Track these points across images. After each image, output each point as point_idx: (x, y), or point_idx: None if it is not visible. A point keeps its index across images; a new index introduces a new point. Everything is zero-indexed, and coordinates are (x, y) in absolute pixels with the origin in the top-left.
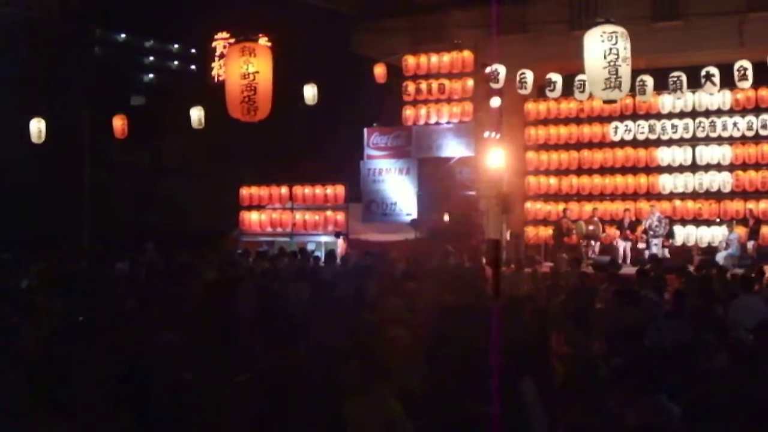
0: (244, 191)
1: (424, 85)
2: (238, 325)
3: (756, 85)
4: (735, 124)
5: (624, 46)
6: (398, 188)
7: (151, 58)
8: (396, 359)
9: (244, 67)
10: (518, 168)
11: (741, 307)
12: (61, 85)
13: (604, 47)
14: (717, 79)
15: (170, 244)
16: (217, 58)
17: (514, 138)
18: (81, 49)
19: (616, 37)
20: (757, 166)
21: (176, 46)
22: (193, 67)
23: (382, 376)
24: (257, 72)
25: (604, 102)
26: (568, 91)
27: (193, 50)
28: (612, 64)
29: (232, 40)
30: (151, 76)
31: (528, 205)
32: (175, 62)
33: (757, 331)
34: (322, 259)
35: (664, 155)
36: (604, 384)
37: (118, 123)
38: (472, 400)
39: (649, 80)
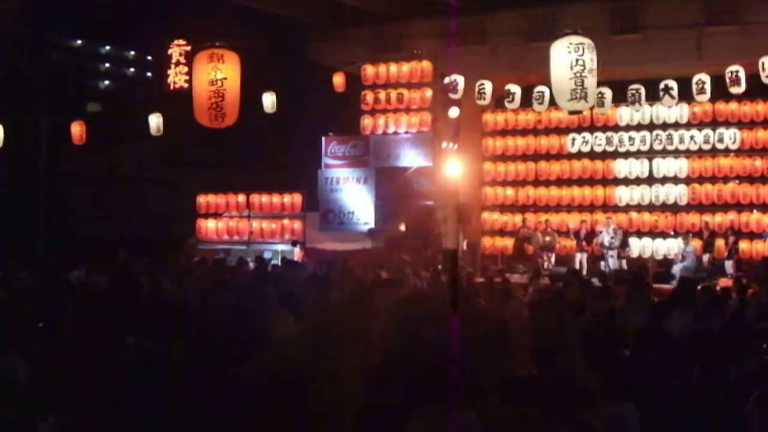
0: (201, 199)
1: (382, 95)
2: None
3: (713, 98)
4: (692, 138)
5: (590, 58)
6: (356, 197)
7: (107, 64)
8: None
9: (213, 74)
10: (475, 178)
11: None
12: (18, 92)
13: (570, 58)
14: (675, 92)
15: (127, 251)
16: (173, 65)
17: (472, 148)
18: (37, 55)
19: (583, 48)
20: (713, 180)
21: (132, 52)
22: (149, 74)
23: None
24: (225, 78)
25: (570, 113)
26: (526, 103)
27: (149, 57)
28: (578, 75)
29: (188, 48)
30: (107, 82)
31: (485, 215)
32: (131, 69)
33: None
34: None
35: (621, 167)
36: (576, 392)
37: (77, 129)
38: None
39: (607, 92)
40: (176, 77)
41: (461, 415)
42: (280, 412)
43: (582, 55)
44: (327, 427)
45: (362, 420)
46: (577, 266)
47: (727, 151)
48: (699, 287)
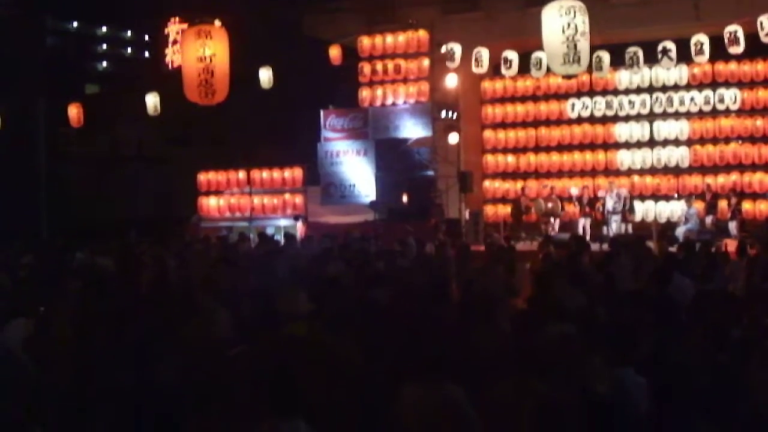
0: (202, 177)
1: (379, 66)
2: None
3: (712, 59)
4: (692, 99)
5: (582, 21)
6: (356, 170)
7: (104, 46)
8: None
9: (201, 50)
10: (476, 147)
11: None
12: (16, 76)
13: (562, 22)
14: (674, 54)
15: (129, 231)
16: (170, 44)
17: (471, 117)
18: (34, 39)
19: (574, 11)
20: (714, 141)
21: (129, 33)
22: (146, 54)
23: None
24: (214, 54)
25: (563, 77)
26: (524, 69)
27: (147, 37)
28: (570, 38)
29: (185, 26)
30: (104, 64)
31: (486, 183)
32: (129, 49)
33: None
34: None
35: (622, 131)
36: (575, 357)
37: (74, 111)
38: None
39: (605, 56)
40: (174, 56)
41: (448, 391)
42: (280, 390)
43: (574, 18)
44: (323, 401)
45: (357, 394)
46: (581, 231)
47: (727, 112)
48: (698, 249)
